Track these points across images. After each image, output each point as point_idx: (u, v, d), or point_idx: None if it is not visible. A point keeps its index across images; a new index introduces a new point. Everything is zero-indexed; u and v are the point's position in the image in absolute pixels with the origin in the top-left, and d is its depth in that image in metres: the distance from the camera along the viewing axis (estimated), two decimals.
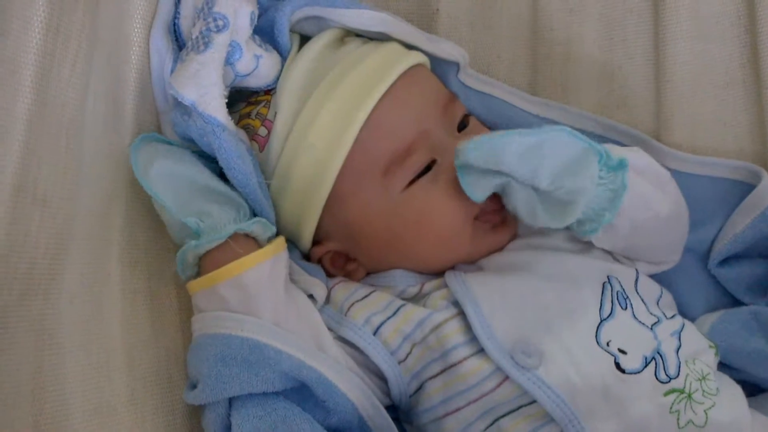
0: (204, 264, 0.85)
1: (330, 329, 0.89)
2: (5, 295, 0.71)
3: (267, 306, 0.84)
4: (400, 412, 0.94)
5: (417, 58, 0.94)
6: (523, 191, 0.82)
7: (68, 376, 0.77)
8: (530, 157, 0.80)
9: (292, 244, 0.96)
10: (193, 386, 0.84)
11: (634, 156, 0.86)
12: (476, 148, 0.81)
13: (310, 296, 0.90)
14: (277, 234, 0.92)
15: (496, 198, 0.87)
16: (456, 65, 1.01)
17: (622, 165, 0.81)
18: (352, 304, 0.91)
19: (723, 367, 0.92)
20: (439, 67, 1.00)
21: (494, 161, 0.81)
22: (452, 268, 0.93)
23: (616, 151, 0.83)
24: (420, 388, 0.88)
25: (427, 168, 0.89)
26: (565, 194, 0.80)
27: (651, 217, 0.87)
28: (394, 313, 0.89)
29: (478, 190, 0.84)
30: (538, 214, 0.82)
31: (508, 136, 0.80)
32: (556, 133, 0.80)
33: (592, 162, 0.80)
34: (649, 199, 0.87)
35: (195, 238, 0.84)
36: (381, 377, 0.89)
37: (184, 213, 0.84)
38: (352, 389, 0.85)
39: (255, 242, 0.87)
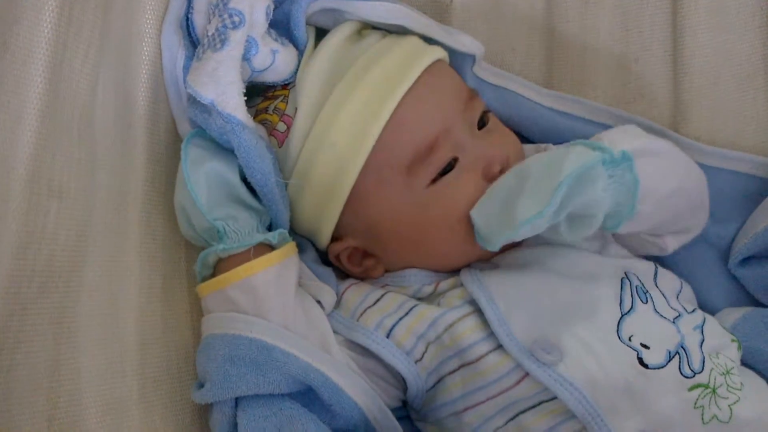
0: (221, 267, 0.85)
1: (339, 334, 0.88)
2: (24, 288, 0.70)
3: (276, 308, 0.84)
4: (412, 411, 0.93)
5: (438, 53, 0.93)
6: None
7: (84, 371, 0.76)
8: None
9: (308, 243, 0.96)
10: (201, 385, 0.83)
11: (629, 139, 0.84)
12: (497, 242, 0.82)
13: (318, 302, 0.90)
14: (295, 231, 0.92)
15: None
16: (472, 58, 0.99)
17: (626, 158, 0.79)
18: (364, 310, 0.90)
19: (743, 366, 0.90)
20: (456, 59, 0.98)
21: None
22: (468, 265, 0.92)
23: (611, 140, 0.82)
24: (439, 381, 0.87)
25: (451, 166, 0.88)
26: (582, 209, 0.78)
27: (670, 186, 0.85)
28: (407, 313, 0.88)
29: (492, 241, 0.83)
30: (560, 231, 0.81)
31: (529, 220, 0.77)
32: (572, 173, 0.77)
33: (599, 174, 0.78)
34: (662, 172, 0.85)
35: (217, 240, 0.84)
36: (389, 381, 0.89)
37: (213, 215, 0.84)
38: (359, 392, 0.84)
39: (270, 249, 0.86)
